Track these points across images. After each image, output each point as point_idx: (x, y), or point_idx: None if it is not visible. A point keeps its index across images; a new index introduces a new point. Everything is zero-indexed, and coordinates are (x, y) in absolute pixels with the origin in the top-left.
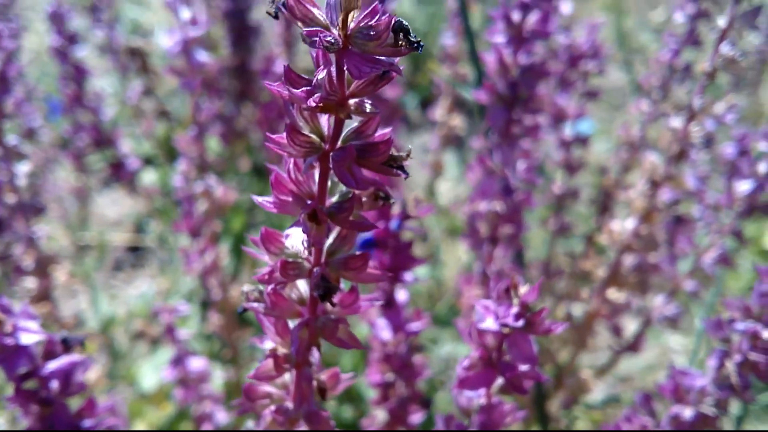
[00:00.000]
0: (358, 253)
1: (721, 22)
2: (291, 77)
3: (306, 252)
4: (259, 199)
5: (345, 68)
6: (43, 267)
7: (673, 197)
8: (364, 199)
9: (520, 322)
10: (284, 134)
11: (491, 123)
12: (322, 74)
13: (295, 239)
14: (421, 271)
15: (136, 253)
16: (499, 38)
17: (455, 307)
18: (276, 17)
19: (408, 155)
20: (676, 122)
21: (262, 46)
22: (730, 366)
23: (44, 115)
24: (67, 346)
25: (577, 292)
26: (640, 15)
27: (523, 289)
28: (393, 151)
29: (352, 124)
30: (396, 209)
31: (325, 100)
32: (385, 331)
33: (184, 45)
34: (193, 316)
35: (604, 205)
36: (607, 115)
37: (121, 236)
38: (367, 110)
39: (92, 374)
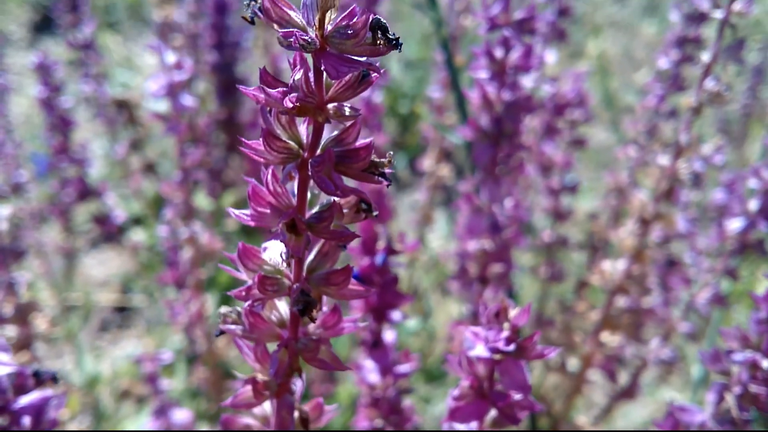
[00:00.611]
0: (340, 268)
1: (705, 57)
2: (267, 80)
3: (285, 264)
4: (235, 212)
5: (322, 69)
6: (24, 315)
7: (664, 237)
8: (345, 210)
9: (512, 347)
10: (260, 140)
11: (476, 159)
12: (298, 74)
13: (274, 251)
14: (411, 324)
15: (122, 314)
16: (482, 74)
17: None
18: (252, 22)
19: (390, 161)
20: (664, 159)
21: (250, 99)
22: (730, 399)
23: (32, 175)
24: (39, 380)
25: (570, 340)
26: (624, 77)
27: (513, 313)
28: (374, 158)
29: (332, 133)
30: (381, 244)
31: (303, 101)
32: (372, 374)
33: (169, 89)
34: (179, 373)
35: (595, 249)
36: (594, 173)
37: (107, 296)
38: (347, 113)
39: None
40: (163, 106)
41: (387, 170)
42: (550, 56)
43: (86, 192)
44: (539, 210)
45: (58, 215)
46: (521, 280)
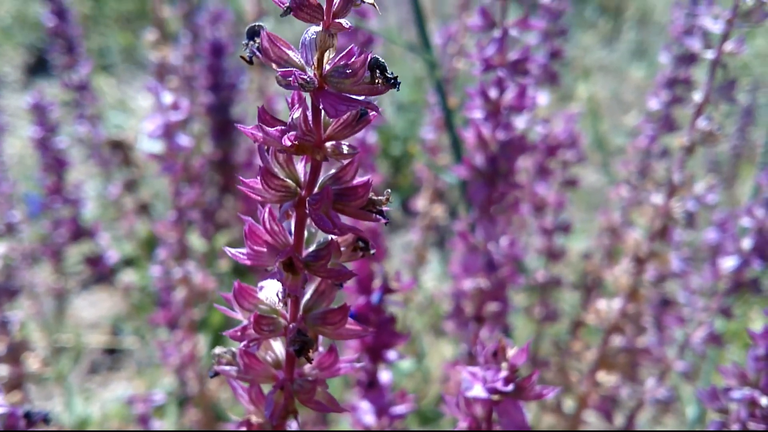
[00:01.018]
0: (337, 307)
1: (697, 96)
2: (265, 118)
3: (281, 304)
4: (231, 250)
5: (321, 108)
6: (16, 354)
7: (659, 276)
8: (342, 248)
9: (510, 387)
10: (258, 178)
11: (472, 198)
12: (297, 113)
13: (270, 291)
14: (405, 365)
15: (112, 356)
16: (477, 114)
17: (442, 402)
18: (250, 62)
19: (388, 199)
20: (657, 198)
21: (245, 139)
22: None
23: (24, 215)
24: (30, 420)
25: (566, 381)
26: (613, 119)
27: (511, 352)
28: (372, 195)
29: (329, 171)
30: (377, 282)
31: (301, 140)
32: (368, 415)
33: (165, 129)
34: (170, 415)
35: (589, 289)
36: (586, 215)
37: (97, 338)
38: (345, 151)
39: None
40: (157, 146)
41: (385, 208)
42: (542, 98)
43: (79, 232)
44: (532, 250)
45: (51, 256)
46: (515, 320)
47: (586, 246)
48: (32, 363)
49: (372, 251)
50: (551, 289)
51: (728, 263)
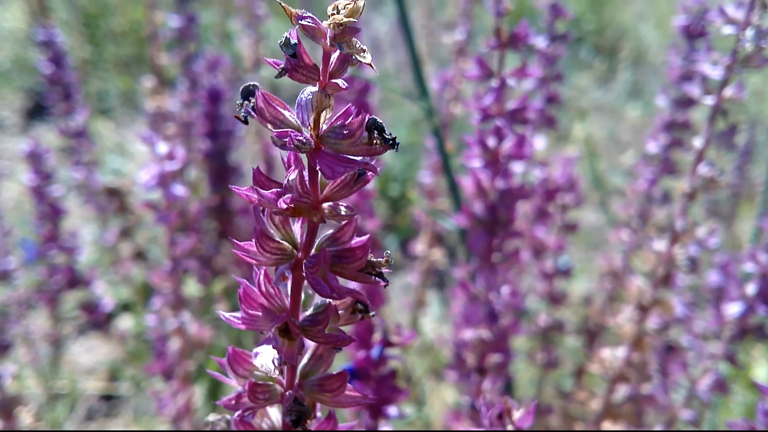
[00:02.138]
0: (335, 373)
1: (698, 143)
2: (260, 180)
3: (277, 372)
4: (226, 314)
5: (318, 169)
6: (9, 408)
7: (663, 323)
8: (340, 311)
9: None
10: (253, 241)
11: (472, 247)
12: (293, 175)
13: (265, 357)
14: (407, 410)
15: (109, 402)
16: (476, 163)
17: None
18: (245, 122)
19: (387, 261)
20: (660, 245)
21: (242, 182)
22: None
23: (20, 261)
24: None
25: (569, 427)
26: (610, 159)
27: (516, 414)
28: (371, 257)
29: (326, 231)
30: (377, 336)
31: (297, 202)
32: None
33: (160, 179)
34: None
35: (592, 335)
36: (585, 255)
37: (94, 384)
38: (343, 213)
39: None
40: (154, 193)
41: (384, 270)
42: (540, 142)
43: (75, 281)
44: (533, 294)
45: (47, 302)
46: (517, 364)
47: (586, 287)
48: (25, 417)
49: (372, 313)
50: (553, 334)
51: (733, 309)
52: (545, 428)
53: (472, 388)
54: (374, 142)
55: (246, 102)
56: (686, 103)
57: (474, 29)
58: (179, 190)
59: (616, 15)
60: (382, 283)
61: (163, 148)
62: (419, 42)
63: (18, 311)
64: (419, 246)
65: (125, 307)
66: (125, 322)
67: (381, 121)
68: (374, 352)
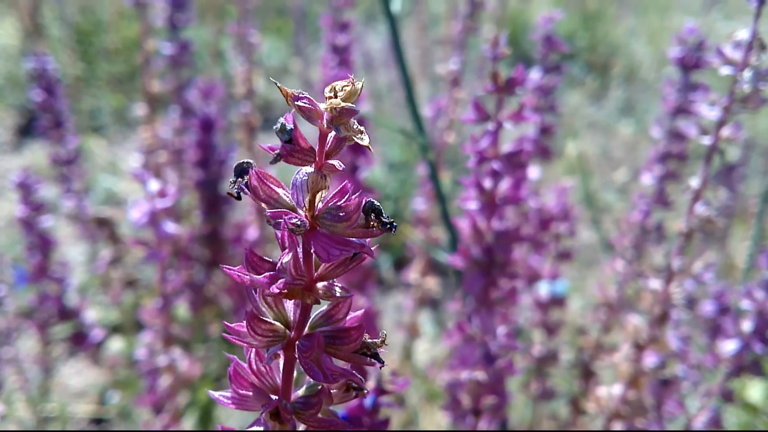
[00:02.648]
0: None
1: (695, 182)
2: (252, 261)
3: None
4: (215, 394)
5: (312, 251)
6: None
7: (659, 360)
8: (334, 391)
9: None
10: (244, 323)
11: (468, 289)
12: (287, 258)
13: None
14: None
15: (99, 425)
16: (472, 205)
17: None
18: (238, 198)
19: (383, 341)
20: (656, 284)
21: (234, 215)
22: None
23: (10, 284)
24: None
25: None
26: (603, 176)
27: None
28: (366, 338)
29: (321, 306)
30: (371, 384)
31: (291, 286)
32: None
33: (151, 216)
34: None
35: (586, 368)
36: (578, 273)
37: (84, 407)
38: (338, 294)
39: None
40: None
41: (381, 350)
42: (534, 172)
43: (65, 312)
44: (527, 323)
45: (37, 329)
46: (510, 384)
47: (579, 304)
48: None
49: (366, 390)
50: (548, 364)
51: (729, 347)
52: None
53: (467, 428)
54: (371, 224)
55: (239, 179)
56: (681, 135)
57: (468, 58)
58: (170, 227)
59: (609, 32)
60: (378, 365)
61: (154, 185)
62: (412, 61)
63: (7, 337)
64: (412, 274)
65: (115, 329)
66: (116, 345)
67: (378, 204)
68: (368, 401)
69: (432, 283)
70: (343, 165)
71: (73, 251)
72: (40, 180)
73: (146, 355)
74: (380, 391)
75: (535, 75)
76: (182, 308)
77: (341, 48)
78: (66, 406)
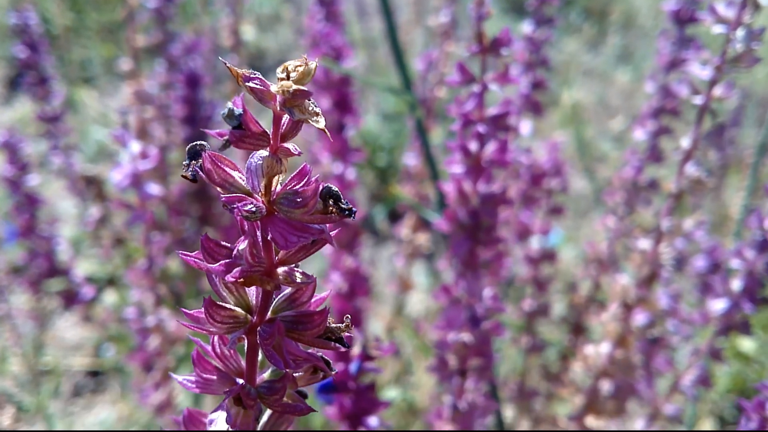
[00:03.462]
0: None
1: (685, 142)
2: (209, 247)
3: None
4: (179, 378)
5: (269, 238)
6: None
7: (647, 320)
8: (300, 373)
9: None
10: (203, 309)
11: (454, 252)
12: (243, 245)
13: (221, 424)
14: (392, 394)
15: (95, 378)
16: (458, 168)
17: None
18: (194, 181)
19: (348, 326)
20: (645, 244)
21: None
22: None
23: (0, 240)
24: None
25: (555, 417)
26: (599, 124)
27: None
28: (330, 322)
29: (286, 288)
30: (356, 349)
31: (248, 273)
32: None
33: (133, 178)
34: None
35: (577, 324)
36: (572, 223)
37: (80, 360)
38: (299, 280)
39: None
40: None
41: (346, 334)
42: (525, 127)
43: (54, 270)
44: (518, 278)
45: (28, 286)
46: (500, 343)
47: (573, 254)
48: (4, 420)
49: (334, 371)
50: (538, 319)
51: (718, 306)
52: (529, 411)
53: (454, 389)
54: (330, 210)
55: (193, 162)
56: (676, 94)
57: (461, 8)
58: (154, 189)
59: None
60: (342, 349)
61: (135, 147)
62: (405, 8)
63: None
64: (403, 230)
65: (109, 281)
66: (110, 298)
67: (336, 189)
68: (352, 366)
69: (423, 239)
70: (299, 150)
71: (65, 204)
72: (28, 136)
73: (135, 314)
74: (365, 356)
75: (526, 28)
76: (175, 263)
77: None
78: (61, 360)
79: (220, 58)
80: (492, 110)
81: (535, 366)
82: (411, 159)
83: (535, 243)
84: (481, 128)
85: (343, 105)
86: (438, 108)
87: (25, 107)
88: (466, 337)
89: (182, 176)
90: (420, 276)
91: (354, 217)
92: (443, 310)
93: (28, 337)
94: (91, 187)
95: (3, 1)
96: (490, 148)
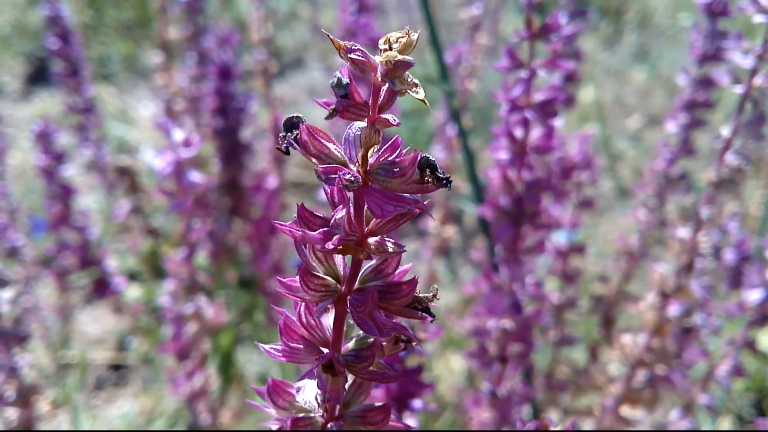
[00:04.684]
0: (378, 404)
1: (725, 131)
2: (305, 216)
3: (321, 409)
4: (266, 347)
5: (366, 207)
6: (26, 397)
7: (683, 309)
8: (384, 343)
9: None
10: (297, 277)
11: (497, 239)
12: (340, 214)
13: (309, 394)
14: (429, 405)
15: (118, 372)
16: (503, 155)
17: (456, 423)
18: (287, 153)
19: (434, 296)
20: (684, 233)
21: (253, 163)
22: None
23: (27, 233)
24: None
25: (588, 408)
26: (615, 123)
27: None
28: (418, 291)
29: (368, 261)
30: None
31: (344, 241)
32: None
33: (176, 166)
34: None
35: (607, 316)
36: (592, 220)
37: (103, 354)
38: (390, 249)
39: None
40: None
41: (432, 304)
42: (558, 121)
43: (87, 259)
44: (545, 270)
45: (56, 278)
46: None
47: (592, 252)
48: (43, 406)
49: (414, 343)
50: (566, 311)
51: (753, 296)
52: (556, 404)
53: (493, 376)
54: (426, 180)
55: (288, 134)
56: (707, 83)
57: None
58: (195, 177)
59: None
60: (429, 318)
61: (179, 134)
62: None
63: (26, 286)
64: (432, 222)
65: (132, 276)
66: (133, 292)
67: (434, 159)
68: None
69: (451, 232)
70: (397, 120)
71: (86, 200)
72: (58, 129)
73: (170, 302)
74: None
75: (560, 20)
76: (201, 257)
77: None
78: (85, 353)
79: (322, 30)
80: (539, 95)
81: (563, 359)
82: (439, 152)
83: (561, 237)
84: (528, 114)
85: None
86: (469, 102)
87: (44, 103)
88: (507, 323)
89: (276, 148)
90: (440, 273)
91: (450, 187)
92: (482, 296)
93: (53, 329)
94: (125, 178)
95: (20, 0)
96: (536, 134)
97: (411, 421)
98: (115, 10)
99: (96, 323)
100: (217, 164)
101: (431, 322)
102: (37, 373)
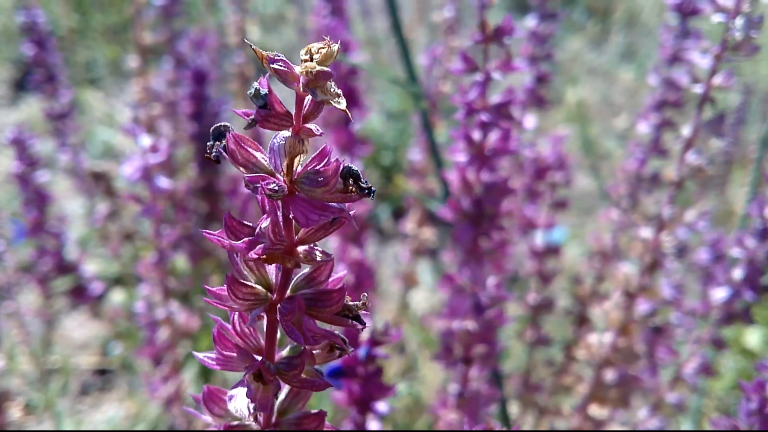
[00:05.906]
0: (313, 411)
1: (686, 131)
2: (232, 225)
3: (251, 418)
4: (200, 355)
5: (291, 216)
6: None
7: (650, 308)
8: (317, 351)
9: None
10: (225, 286)
11: (457, 240)
12: (265, 223)
13: (240, 402)
14: (398, 388)
15: (103, 377)
16: (461, 157)
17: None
18: (217, 161)
19: (365, 304)
20: (647, 232)
21: (230, 167)
22: None
23: (9, 239)
24: None
25: (559, 408)
26: (603, 122)
27: None
28: (348, 300)
29: (304, 268)
30: (364, 335)
31: (270, 250)
32: None
33: (144, 172)
34: None
35: (581, 316)
36: (577, 220)
37: (87, 359)
38: (318, 258)
39: None
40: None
41: (363, 312)
42: (530, 121)
43: (63, 266)
44: (522, 271)
45: (37, 283)
46: (506, 331)
47: (578, 252)
48: (14, 412)
49: (351, 349)
50: (543, 312)
51: (719, 294)
52: (533, 405)
53: (459, 376)
54: (350, 189)
55: (217, 143)
56: (677, 83)
57: (465, 4)
58: (164, 182)
59: None
60: (359, 326)
61: (146, 140)
62: (409, 7)
63: (8, 291)
64: (409, 225)
65: (116, 281)
66: (117, 297)
67: (357, 169)
68: (361, 351)
69: (428, 234)
70: (320, 130)
71: (72, 204)
72: (35, 135)
73: (144, 308)
74: (374, 342)
75: (530, 22)
76: (181, 260)
77: None
78: (69, 359)
79: (246, 40)
80: (495, 99)
81: (539, 361)
82: (416, 155)
83: (538, 237)
84: (484, 117)
85: (351, 98)
86: (443, 104)
87: (31, 108)
88: (470, 324)
89: (205, 157)
90: (424, 274)
91: (373, 197)
92: (447, 299)
93: (36, 335)
94: (100, 183)
95: (7, 3)
96: (494, 137)
97: (374, 424)
98: (102, 14)
99: (81, 328)
100: (194, 168)
101: (360, 330)
102: (20, 379)
